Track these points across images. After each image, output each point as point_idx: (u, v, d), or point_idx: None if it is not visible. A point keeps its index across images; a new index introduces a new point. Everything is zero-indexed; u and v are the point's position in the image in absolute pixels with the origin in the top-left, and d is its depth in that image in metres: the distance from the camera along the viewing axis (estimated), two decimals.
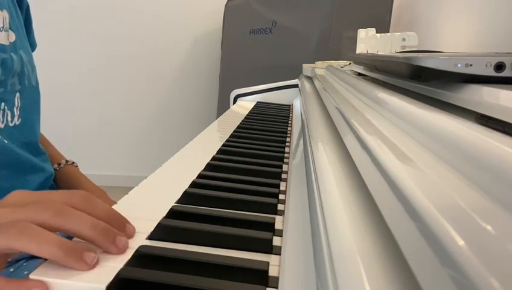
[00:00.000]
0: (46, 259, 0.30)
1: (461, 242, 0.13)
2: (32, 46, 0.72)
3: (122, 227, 0.34)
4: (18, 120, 0.62)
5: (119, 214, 0.35)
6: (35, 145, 0.67)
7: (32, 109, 0.66)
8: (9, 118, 0.60)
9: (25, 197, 0.34)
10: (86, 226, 0.31)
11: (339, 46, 1.57)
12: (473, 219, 0.14)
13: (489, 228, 0.13)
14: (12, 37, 0.62)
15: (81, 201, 0.33)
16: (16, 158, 0.60)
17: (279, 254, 0.33)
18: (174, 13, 2.31)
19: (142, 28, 2.31)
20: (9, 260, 0.32)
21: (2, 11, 0.60)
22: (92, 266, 0.29)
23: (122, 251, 0.32)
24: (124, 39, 2.31)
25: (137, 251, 0.32)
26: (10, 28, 0.62)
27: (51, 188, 0.69)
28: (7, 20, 0.61)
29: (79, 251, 0.29)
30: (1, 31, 0.58)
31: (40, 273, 0.29)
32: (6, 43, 0.59)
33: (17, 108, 0.62)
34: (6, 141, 0.58)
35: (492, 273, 0.11)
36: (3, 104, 0.59)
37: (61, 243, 0.29)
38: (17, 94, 0.62)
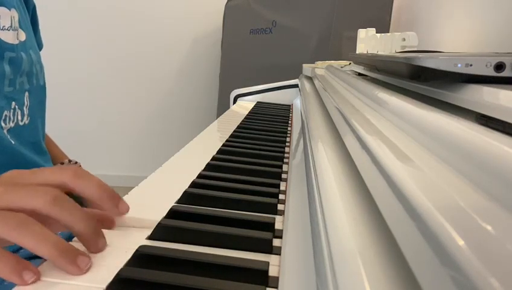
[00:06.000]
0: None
1: (461, 242, 0.13)
2: (39, 46, 0.72)
3: (115, 205, 0.35)
4: (27, 119, 0.63)
5: (113, 192, 0.35)
6: (40, 144, 0.67)
7: (39, 108, 0.67)
8: (19, 117, 0.61)
9: (19, 175, 0.34)
10: (79, 220, 0.31)
11: (339, 46, 1.57)
12: (473, 219, 0.14)
13: (489, 228, 0.13)
14: (23, 36, 0.62)
15: (72, 176, 0.34)
16: (21, 159, 0.60)
17: (279, 254, 0.33)
18: (174, 13, 2.31)
19: (142, 28, 2.31)
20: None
21: (10, 10, 0.60)
22: (84, 271, 0.29)
23: (100, 251, 0.32)
24: (124, 39, 2.31)
25: (137, 251, 0.32)
26: (20, 27, 0.62)
27: None
28: (16, 19, 0.61)
29: (74, 254, 0.29)
30: (9, 30, 0.58)
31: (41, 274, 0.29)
32: (15, 42, 0.59)
33: (26, 107, 0.62)
34: (13, 142, 0.58)
35: (492, 273, 0.11)
36: (13, 103, 0.59)
37: (57, 243, 0.29)
38: (26, 93, 0.62)
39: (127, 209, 0.36)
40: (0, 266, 0.28)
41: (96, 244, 0.32)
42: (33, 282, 0.28)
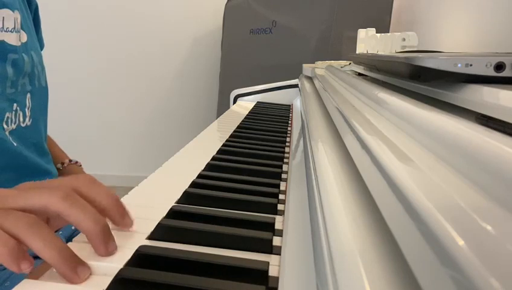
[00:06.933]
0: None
1: (461, 242, 0.13)
2: (41, 45, 0.72)
3: (121, 216, 0.35)
4: (29, 121, 0.63)
5: (121, 203, 0.36)
6: (42, 146, 0.67)
7: (41, 109, 0.67)
8: (21, 119, 0.61)
9: (33, 184, 0.35)
10: (88, 218, 0.31)
11: (339, 46, 1.57)
12: (473, 219, 0.14)
13: (489, 228, 0.13)
14: (24, 37, 0.62)
15: (85, 183, 0.34)
16: (23, 160, 0.60)
17: (279, 254, 0.33)
18: (174, 13, 2.31)
19: (142, 28, 2.31)
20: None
21: (13, 12, 0.60)
22: (82, 281, 0.29)
23: (110, 254, 0.32)
24: (124, 39, 2.31)
25: (137, 251, 0.32)
26: (22, 29, 0.62)
27: None
28: (19, 20, 0.61)
29: (75, 263, 0.29)
30: (12, 32, 0.58)
31: (42, 277, 0.29)
32: (17, 44, 0.59)
33: (28, 108, 0.62)
34: (15, 144, 0.58)
35: (492, 273, 0.11)
36: (15, 104, 0.59)
37: (62, 250, 0.29)
38: (28, 95, 0.62)
39: (131, 223, 0.36)
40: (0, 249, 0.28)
41: (105, 245, 0.31)
42: (27, 270, 0.28)
